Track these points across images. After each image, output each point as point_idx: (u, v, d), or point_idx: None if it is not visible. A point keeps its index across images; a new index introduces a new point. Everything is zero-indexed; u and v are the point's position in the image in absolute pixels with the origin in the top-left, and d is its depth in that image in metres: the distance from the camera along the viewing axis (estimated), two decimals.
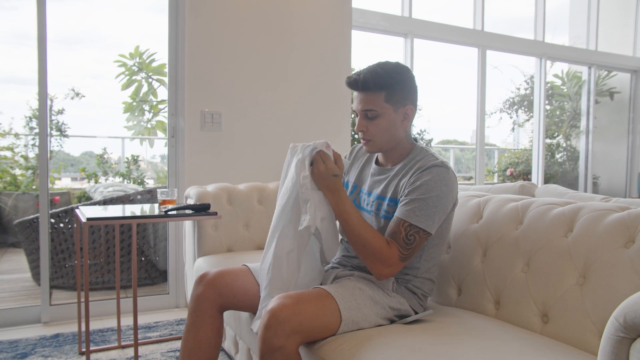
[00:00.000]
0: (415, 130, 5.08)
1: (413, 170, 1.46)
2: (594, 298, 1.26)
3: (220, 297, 1.56)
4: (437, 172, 1.42)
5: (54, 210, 3.27)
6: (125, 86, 5.76)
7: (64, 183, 6.54)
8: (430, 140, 5.34)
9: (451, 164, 7.82)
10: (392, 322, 1.45)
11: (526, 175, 6.20)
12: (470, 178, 7.94)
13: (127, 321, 2.74)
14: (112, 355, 2.33)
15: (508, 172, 6.39)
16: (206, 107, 2.99)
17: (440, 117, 8.15)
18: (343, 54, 3.42)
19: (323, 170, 1.42)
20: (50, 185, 5.27)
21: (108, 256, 3.39)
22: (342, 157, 1.51)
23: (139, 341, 2.46)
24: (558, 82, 6.58)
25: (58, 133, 4.93)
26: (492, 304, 1.54)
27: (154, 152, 6.71)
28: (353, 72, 1.50)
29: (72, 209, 3.29)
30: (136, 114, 5.91)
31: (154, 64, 5.80)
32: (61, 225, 3.30)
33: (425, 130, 5.29)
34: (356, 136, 3.85)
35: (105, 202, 3.37)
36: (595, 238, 1.32)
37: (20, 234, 3.52)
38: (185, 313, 2.81)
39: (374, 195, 1.55)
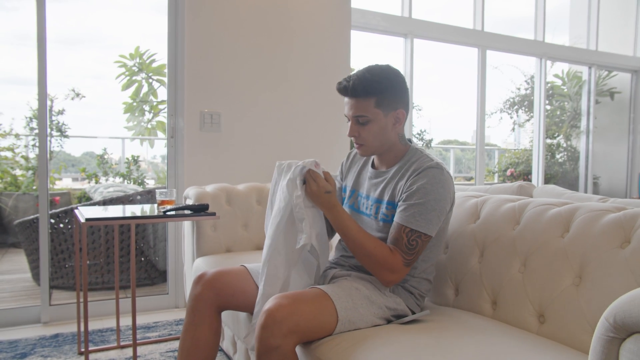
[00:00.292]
0: (415, 131, 5.08)
1: (409, 173, 1.47)
2: (589, 298, 1.27)
3: (218, 297, 1.56)
4: (432, 175, 1.42)
5: (53, 211, 3.27)
6: (126, 86, 5.77)
7: (64, 183, 6.55)
8: (431, 141, 5.34)
9: (451, 164, 7.85)
10: (389, 322, 1.45)
11: (526, 175, 6.20)
12: (470, 178, 7.94)
13: (126, 321, 2.74)
14: (111, 355, 2.34)
15: (508, 173, 6.38)
16: (205, 108, 3.00)
17: (441, 118, 8.16)
18: (342, 54, 3.42)
19: (315, 189, 1.44)
20: (50, 185, 5.30)
21: (108, 256, 3.40)
22: (341, 162, 1.53)
23: (138, 341, 2.47)
24: (558, 82, 6.58)
25: (58, 133, 4.94)
26: (489, 304, 1.55)
27: (155, 152, 6.73)
28: (343, 78, 1.50)
29: (72, 210, 3.30)
30: (136, 114, 5.92)
31: (154, 65, 5.82)
32: (61, 225, 3.31)
33: (425, 131, 5.29)
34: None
35: (105, 202, 3.38)
36: (591, 238, 1.32)
37: (21, 234, 3.53)
38: (184, 313, 2.81)
39: (372, 198, 1.56)
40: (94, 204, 3.42)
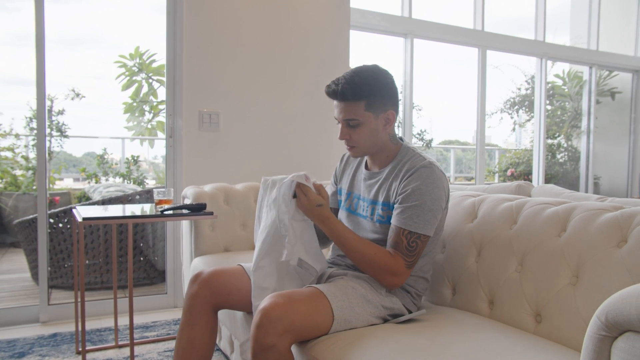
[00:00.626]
0: (415, 131, 5.07)
1: (402, 173, 1.47)
2: (586, 297, 1.26)
3: (214, 296, 1.56)
4: (426, 175, 1.42)
5: (53, 211, 3.28)
6: (126, 87, 5.78)
7: (65, 183, 6.56)
8: (431, 141, 5.33)
9: (452, 165, 7.83)
10: (385, 321, 1.45)
11: (527, 175, 6.19)
12: (471, 178, 7.93)
13: (124, 321, 2.74)
14: (109, 355, 2.33)
15: (509, 173, 6.37)
16: (204, 108, 2.99)
17: (442, 118, 8.15)
18: (341, 54, 3.42)
19: (306, 203, 1.44)
20: (51, 185, 5.31)
21: (107, 256, 3.40)
22: (335, 166, 1.53)
23: (136, 341, 2.47)
24: (559, 82, 6.57)
25: (58, 134, 4.95)
26: (486, 303, 1.54)
27: (156, 152, 6.74)
28: (331, 81, 1.49)
29: (71, 209, 3.30)
30: (136, 114, 5.93)
31: (154, 65, 5.83)
32: (60, 225, 3.31)
33: (425, 131, 5.28)
34: None
35: (104, 202, 3.38)
36: (588, 238, 1.31)
37: (20, 234, 3.53)
38: None
39: (367, 200, 1.56)
40: (93, 204, 3.42)
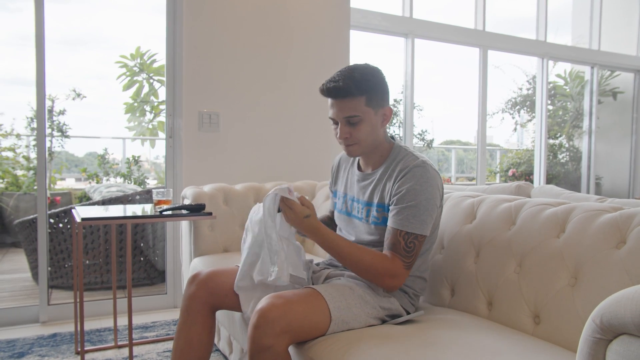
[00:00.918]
0: (416, 131, 5.06)
1: (395, 173, 1.46)
2: (585, 299, 1.25)
3: (211, 296, 1.56)
4: (419, 174, 1.42)
5: (53, 211, 3.28)
6: (127, 87, 5.78)
7: (67, 183, 6.58)
8: (432, 141, 5.32)
9: (453, 165, 7.81)
10: (383, 322, 1.44)
11: (528, 175, 6.17)
12: (472, 179, 7.91)
13: (124, 321, 2.74)
14: (109, 355, 2.33)
15: (510, 173, 6.36)
16: (204, 108, 2.99)
17: (444, 118, 8.14)
18: (341, 55, 3.41)
19: (293, 216, 1.42)
20: (52, 185, 5.31)
21: (107, 256, 3.40)
22: (331, 169, 1.51)
23: (136, 341, 2.47)
24: (560, 82, 6.55)
25: (59, 134, 4.96)
26: (485, 304, 1.53)
27: (158, 152, 6.74)
28: (326, 80, 1.48)
29: (71, 210, 3.30)
30: (137, 114, 5.93)
31: (155, 65, 5.83)
32: (60, 225, 3.31)
33: (426, 131, 5.27)
34: None
35: (104, 202, 3.38)
36: (586, 239, 1.31)
37: (20, 234, 3.54)
38: None
39: (361, 202, 1.56)
40: (93, 204, 3.43)
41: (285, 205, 1.42)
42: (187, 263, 2.47)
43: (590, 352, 0.74)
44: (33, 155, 5.14)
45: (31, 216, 3.41)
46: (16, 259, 4.61)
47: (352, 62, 3.42)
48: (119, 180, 5.15)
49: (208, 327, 1.57)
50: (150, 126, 6.01)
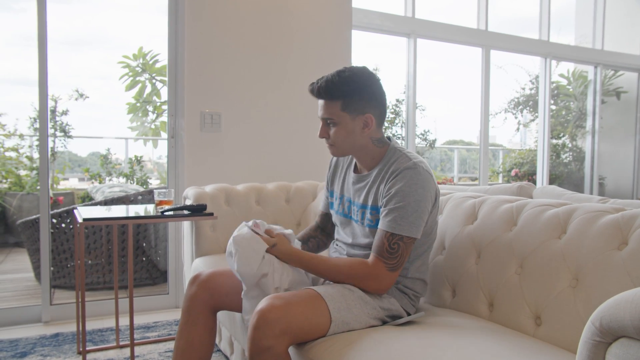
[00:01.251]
0: (419, 131, 5.06)
1: (387, 175, 1.46)
2: (586, 300, 1.25)
3: (212, 297, 1.56)
4: (409, 176, 1.41)
5: (55, 211, 3.29)
6: (129, 87, 5.80)
7: (71, 183, 6.59)
8: (434, 141, 5.32)
9: (455, 165, 7.79)
10: (384, 322, 1.44)
11: (531, 175, 6.15)
12: (475, 179, 7.90)
13: (126, 321, 2.74)
14: (110, 355, 2.34)
15: (513, 173, 6.34)
16: (206, 108, 3.00)
17: (446, 117, 8.12)
18: (343, 55, 3.41)
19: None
20: (55, 185, 5.33)
21: (109, 256, 3.41)
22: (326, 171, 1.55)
23: (137, 341, 2.47)
24: (564, 81, 6.52)
25: (62, 134, 4.97)
26: (486, 305, 1.53)
27: (160, 152, 6.76)
28: (317, 79, 1.49)
29: (73, 210, 3.31)
30: (140, 114, 5.95)
31: (158, 65, 5.84)
32: (63, 225, 3.32)
33: (429, 131, 5.27)
34: None
35: (106, 202, 3.39)
36: (588, 240, 1.30)
37: (23, 234, 3.55)
38: None
39: (357, 204, 1.56)
40: (95, 204, 3.43)
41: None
42: (189, 263, 2.47)
43: (590, 355, 0.74)
44: (36, 155, 5.16)
45: (34, 216, 3.42)
46: (19, 258, 4.62)
47: (353, 63, 3.45)
48: (122, 180, 5.16)
49: (209, 328, 1.58)
50: (152, 126, 6.02)
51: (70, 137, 5.02)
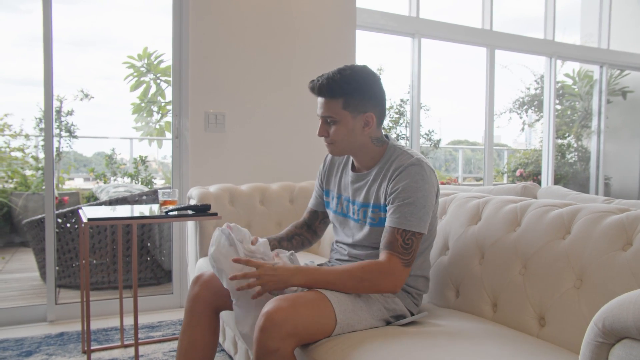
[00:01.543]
0: (423, 131, 5.05)
1: (390, 173, 1.45)
2: (590, 301, 1.24)
3: (215, 297, 1.56)
4: (414, 172, 1.41)
5: (60, 211, 3.31)
6: (134, 87, 5.82)
7: (76, 183, 6.62)
8: (439, 141, 5.30)
9: (460, 165, 7.77)
10: (387, 323, 1.44)
11: (536, 176, 6.13)
12: (480, 179, 7.87)
13: (131, 320, 2.75)
14: (115, 354, 2.35)
15: (517, 173, 6.32)
16: (210, 108, 3.00)
17: (451, 117, 8.11)
18: (347, 55, 3.41)
19: (267, 277, 1.36)
20: (60, 185, 5.35)
21: (114, 256, 3.42)
22: (318, 170, 1.56)
23: (142, 340, 2.48)
24: (569, 81, 6.49)
25: (67, 134, 4.99)
26: (490, 306, 1.53)
27: (165, 152, 6.78)
28: (316, 77, 1.49)
29: (77, 210, 3.32)
30: (144, 115, 5.97)
31: (162, 65, 5.86)
32: (68, 225, 3.34)
33: (433, 131, 5.25)
34: None
35: (111, 202, 3.40)
36: (592, 240, 1.30)
37: (29, 234, 3.57)
38: None
39: (357, 203, 1.55)
40: (100, 204, 3.45)
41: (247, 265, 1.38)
42: (193, 263, 2.48)
43: (593, 356, 0.73)
44: (42, 155, 5.19)
45: (39, 216, 3.44)
46: (25, 258, 4.65)
47: (358, 63, 3.44)
48: (127, 180, 5.18)
49: (212, 328, 1.58)
50: (157, 126, 6.05)
51: (75, 137, 5.05)
